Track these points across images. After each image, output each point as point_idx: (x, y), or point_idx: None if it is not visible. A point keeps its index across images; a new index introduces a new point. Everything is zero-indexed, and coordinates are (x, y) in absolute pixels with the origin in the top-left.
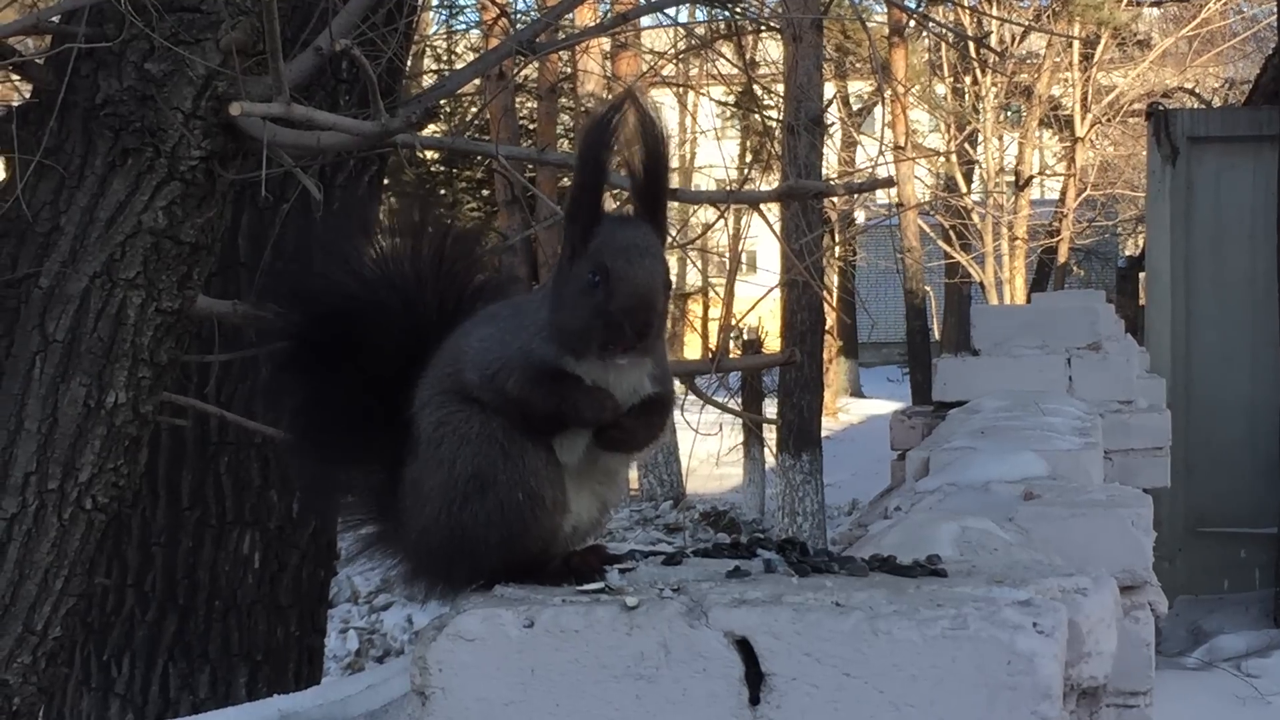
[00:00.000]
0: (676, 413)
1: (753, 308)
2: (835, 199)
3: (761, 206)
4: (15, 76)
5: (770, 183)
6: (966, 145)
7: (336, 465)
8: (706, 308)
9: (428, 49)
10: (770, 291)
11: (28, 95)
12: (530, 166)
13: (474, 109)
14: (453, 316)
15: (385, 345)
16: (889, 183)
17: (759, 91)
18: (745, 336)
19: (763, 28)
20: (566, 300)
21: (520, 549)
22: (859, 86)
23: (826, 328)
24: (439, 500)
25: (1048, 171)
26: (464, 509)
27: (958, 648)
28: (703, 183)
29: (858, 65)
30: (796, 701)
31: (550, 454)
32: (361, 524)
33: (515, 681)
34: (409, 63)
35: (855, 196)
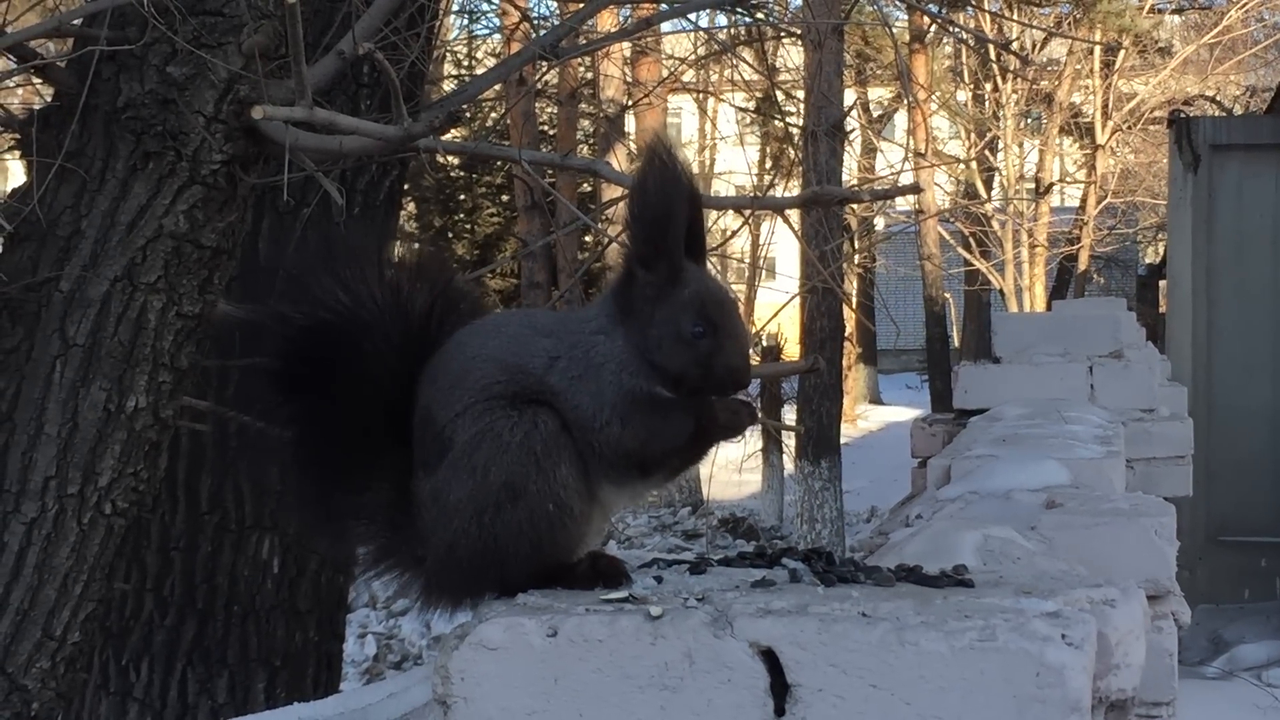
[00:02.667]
0: None
1: (776, 314)
2: (856, 205)
3: (784, 213)
4: (37, 80)
5: (790, 189)
6: (987, 152)
7: (339, 487)
8: None
9: (448, 54)
10: (794, 298)
11: (49, 98)
12: (550, 171)
13: (494, 114)
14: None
15: (374, 364)
16: (915, 189)
17: (780, 97)
18: (764, 343)
19: (783, 33)
20: (663, 344)
21: (549, 557)
22: (879, 93)
23: (846, 334)
24: (469, 510)
25: (1068, 179)
26: (496, 519)
27: (986, 659)
28: (722, 189)
29: (878, 72)
30: (822, 713)
31: (581, 467)
32: (370, 543)
33: (538, 691)
34: (429, 68)
35: (876, 203)
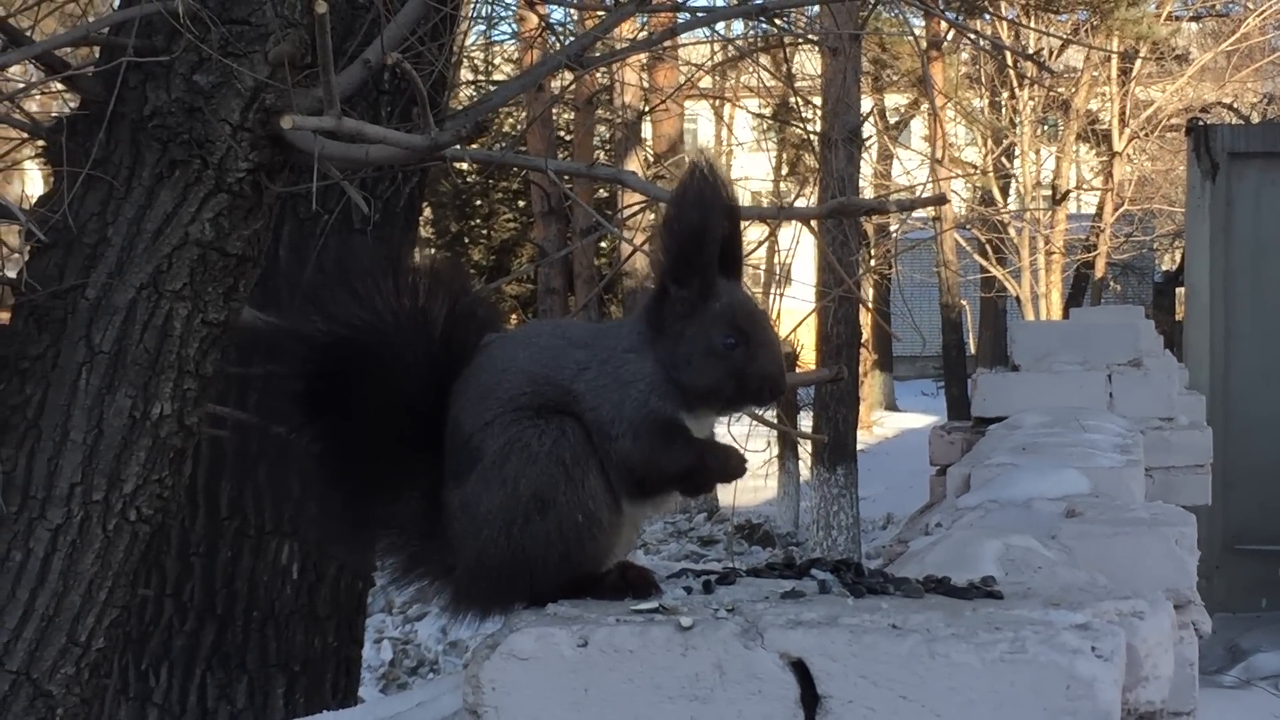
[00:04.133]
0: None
1: (800, 323)
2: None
3: (810, 222)
4: (61, 87)
5: (808, 196)
6: (1003, 159)
7: (369, 498)
8: None
9: (465, 60)
10: (818, 307)
11: (67, 105)
12: (569, 178)
13: (510, 121)
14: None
15: (398, 375)
16: (942, 200)
17: (798, 104)
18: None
19: (801, 41)
20: (693, 360)
21: (578, 567)
22: (896, 100)
23: (862, 341)
24: (499, 521)
25: (1085, 186)
26: (525, 530)
27: (1016, 672)
28: (738, 195)
29: (894, 79)
30: None
31: (606, 478)
32: (400, 552)
33: (568, 701)
34: (452, 76)
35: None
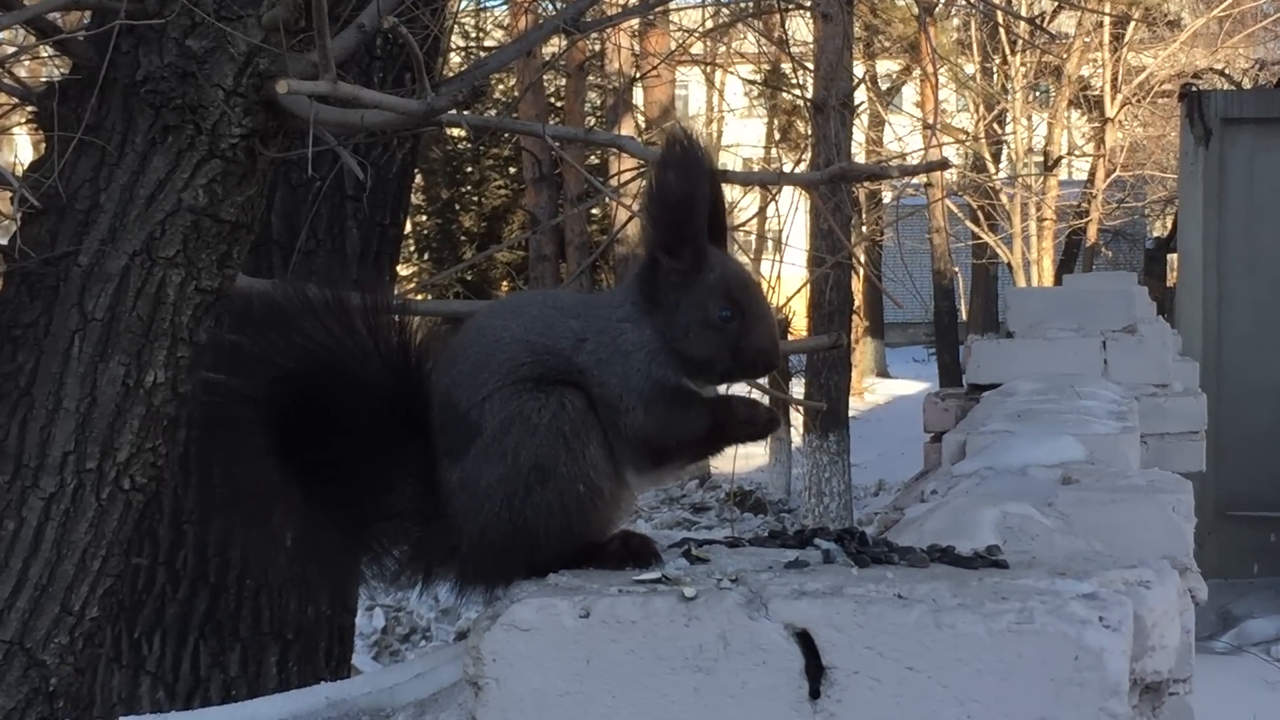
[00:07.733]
0: None
1: (798, 291)
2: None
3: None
4: (52, 52)
5: (794, 163)
6: (995, 125)
7: (360, 497)
8: None
9: (455, 25)
10: (818, 273)
11: (56, 70)
12: (561, 144)
13: (500, 87)
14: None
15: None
16: (945, 164)
17: (790, 70)
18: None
19: (793, 6)
20: (690, 331)
21: (578, 538)
22: (887, 66)
23: (854, 308)
24: (500, 494)
25: (1076, 152)
26: (526, 501)
27: (1024, 642)
28: (730, 161)
29: (886, 45)
30: (858, 695)
31: (608, 448)
32: (402, 542)
33: (570, 672)
34: (446, 41)
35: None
